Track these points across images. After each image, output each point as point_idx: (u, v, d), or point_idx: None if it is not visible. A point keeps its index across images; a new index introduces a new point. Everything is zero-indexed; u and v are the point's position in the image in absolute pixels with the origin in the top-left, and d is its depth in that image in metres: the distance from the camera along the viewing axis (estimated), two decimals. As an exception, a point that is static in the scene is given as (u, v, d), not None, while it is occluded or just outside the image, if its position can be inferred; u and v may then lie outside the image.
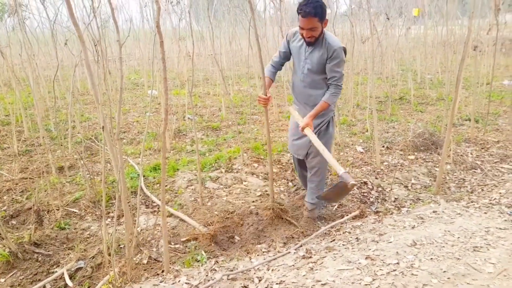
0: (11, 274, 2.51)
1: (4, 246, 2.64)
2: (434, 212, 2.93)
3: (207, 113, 6.61)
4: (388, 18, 6.55)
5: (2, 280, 2.46)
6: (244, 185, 3.88)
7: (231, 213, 3.27)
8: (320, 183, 3.14)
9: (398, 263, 2.21)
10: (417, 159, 4.40)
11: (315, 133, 2.88)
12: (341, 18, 8.30)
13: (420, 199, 3.50)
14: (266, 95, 2.84)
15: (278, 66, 3.08)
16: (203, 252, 2.70)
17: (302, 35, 2.76)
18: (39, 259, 2.66)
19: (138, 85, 9.47)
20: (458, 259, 2.22)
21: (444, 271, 2.10)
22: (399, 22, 9.19)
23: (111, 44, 9.18)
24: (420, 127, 5.03)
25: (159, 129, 5.56)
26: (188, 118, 6.24)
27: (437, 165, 4.16)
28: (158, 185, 3.81)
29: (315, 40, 2.75)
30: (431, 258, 2.23)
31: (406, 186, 3.79)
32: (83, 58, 2.11)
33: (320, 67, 2.82)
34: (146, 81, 8.99)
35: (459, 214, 2.86)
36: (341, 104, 6.83)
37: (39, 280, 2.47)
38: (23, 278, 2.49)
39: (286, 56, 3.04)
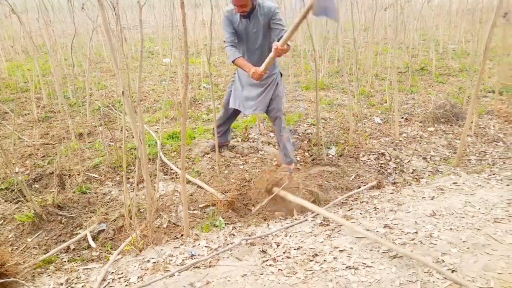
0: (37, 234, 2.61)
1: (29, 208, 2.72)
2: (454, 183, 2.89)
3: (222, 82, 6.55)
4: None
5: (29, 239, 2.56)
6: (261, 154, 3.88)
7: (248, 181, 3.29)
8: (284, 131, 3.34)
9: (416, 232, 2.21)
10: (437, 131, 4.31)
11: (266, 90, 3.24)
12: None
13: (439, 171, 3.46)
14: (260, 70, 2.95)
15: (235, 43, 3.18)
16: (221, 218, 2.74)
17: (236, 11, 2.99)
18: (63, 221, 2.75)
19: (153, 54, 9.40)
20: (478, 229, 2.20)
21: (464, 241, 2.09)
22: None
23: (125, 10, 9.07)
24: (441, 99, 4.90)
25: (175, 97, 5.55)
26: (204, 87, 6.20)
27: (458, 137, 4.07)
28: (175, 152, 3.84)
29: (249, 13, 2.99)
30: (451, 228, 2.22)
31: (425, 158, 3.73)
32: (100, 24, 2.08)
33: (267, 32, 3.08)
34: (161, 49, 8.91)
35: (480, 186, 2.82)
36: (360, 75, 6.68)
37: (63, 241, 2.56)
38: (48, 239, 2.58)
39: (236, 33, 3.17)
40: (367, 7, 8.23)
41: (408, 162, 3.64)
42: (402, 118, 4.69)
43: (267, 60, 2.91)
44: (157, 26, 10.08)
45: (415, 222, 2.31)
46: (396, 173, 3.47)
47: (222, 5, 9.58)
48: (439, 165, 3.58)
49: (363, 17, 8.58)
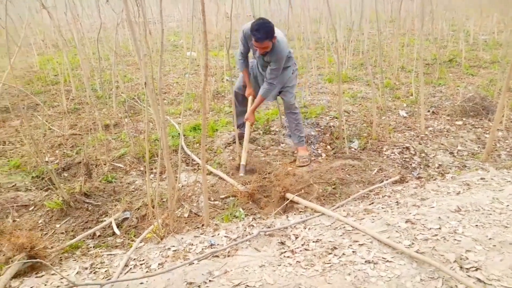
0: (65, 221, 2.72)
1: (58, 195, 2.84)
2: (482, 179, 2.79)
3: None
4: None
5: (57, 225, 2.67)
6: (282, 147, 3.88)
7: (269, 173, 3.30)
8: (296, 116, 3.58)
9: (440, 228, 2.15)
10: (465, 124, 4.16)
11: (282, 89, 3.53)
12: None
13: (466, 166, 3.35)
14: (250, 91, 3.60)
15: (246, 55, 3.50)
16: (241, 209, 2.77)
17: (256, 49, 3.24)
18: (89, 208, 2.85)
19: (177, 47, 9.51)
20: (506, 227, 2.12)
21: (490, 238, 2.02)
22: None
23: (150, 4, 9.20)
24: (470, 91, 4.73)
25: (198, 90, 5.61)
26: (227, 79, 6.23)
27: (487, 132, 3.92)
28: (197, 144, 3.90)
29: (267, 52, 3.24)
30: (476, 225, 2.16)
31: (451, 153, 3.62)
32: (125, 18, 2.12)
33: (264, 64, 3.39)
34: (185, 42, 8.99)
35: (509, 181, 2.71)
36: (385, 67, 6.52)
37: (90, 227, 2.66)
38: (75, 225, 2.69)
39: (247, 46, 3.41)
40: (394, -3, 8.02)
41: (433, 156, 3.54)
42: (429, 111, 4.56)
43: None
44: (181, 20, 10.18)
45: (439, 217, 2.26)
46: (420, 168, 3.39)
47: (246, -3, 9.54)
48: (466, 160, 3.47)
49: (389, 7, 8.35)
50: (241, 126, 3.79)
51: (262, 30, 3.00)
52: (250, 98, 3.62)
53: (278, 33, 3.20)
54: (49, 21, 6.50)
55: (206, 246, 2.18)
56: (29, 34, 7.58)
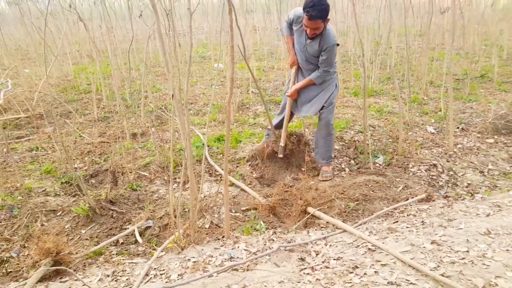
0: (90, 227, 2.79)
1: (85, 201, 2.92)
2: (513, 201, 2.67)
3: (270, 87, 6.59)
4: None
5: (83, 231, 2.75)
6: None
7: (291, 186, 3.28)
8: (332, 136, 3.49)
9: (468, 251, 2.07)
10: (496, 143, 4.01)
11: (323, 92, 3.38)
12: (419, -13, 7.65)
13: (497, 186, 3.21)
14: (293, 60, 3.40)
15: (290, 25, 3.32)
16: (261, 222, 2.76)
17: (305, 30, 3.05)
18: (114, 215, 2.92)
19: (205, 58, 9.69)
20: (539, 253, 2.02)
21: (521, 264, 1.92)
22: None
23: (181, 17, 9.46)
24: (503, 108, 4.56)
25: (224, 101, 5.68)
26: (252, 91, 6.28)
27: (521, 151, 3.76)
28: (221, 155, 3.93)
29: (318, 36, 3.09)
30: (507, 250, 2.06)
31: (481, 172, 3.49)
32: (156, 30, 2.20)
33: (315, 59, 3.22)
34: (213, 54, 9.16)
35: (544, 205, 2.58)
36: (413, 82, 6.40)
37: (113, 234, 2.72)
38: (99, 232, 2.76)
39: (291, 29, 3.31)
40: (424, 11, 7.88)
41: (462, 175, 3.42)
42: (458, 127, 4.42)
43: (293, 77, 3.43)
44: (210, 32, 10.40)
45: (467, 240, 2.17)
46: (448, 186, 3.28)
47: (273, 10, 9.66)
48: (497, 180, 3.33)
49: (419, 21, 8.22)
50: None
51: (318, 7, 2.81)
52: (294, 68, 3.45)
53: (331, 29, 3.15)
54: (85, 33, 6.80)
55: (225, 259, 2.18)
56: (66, 45, 7.95)
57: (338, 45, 3.17)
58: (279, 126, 3.64)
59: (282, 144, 3.36)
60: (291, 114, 3.63)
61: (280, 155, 3.29)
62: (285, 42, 3.49)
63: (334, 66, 3.28)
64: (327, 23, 3.00)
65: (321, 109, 3.39)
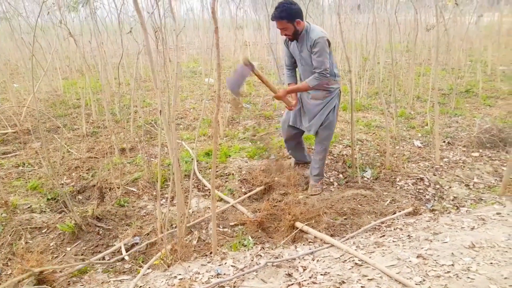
0: (76, 244, 2.76)
1: (71, 218, 2.89)
2: (498, 214, 2.71)
3: (260, 102, 6.64)
4: (457, 4, 6.07)
5: (68, 248, 2.71)
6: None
7: (279, 201, 3.28)
8: (324, 154, 3.49)
9: (453, 264, 2.09)
10: (481, 156, 4.08)
11: (322, 124, 3.37)
12: (405, 4, 7.85)
13: (482, 199, 3.26)
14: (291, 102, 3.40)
15: (292, 66, 3.46)
16: (249, 237, 2.75)
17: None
18: (100, 232, 2.88)
19: (196, 73, 9.76)
20: (523, 266, 2.04)
21: (506, 278, 1.94)
22: (470, 9, 8.49)
23: (173, 32, 9.53)
24: (487, 122, 4.65)
25: (213, 116, 5.70)
26: (243, 106, 6.32)
27: (505, 164, 3.83)
28: (210, 169, 3.93)
29: (294, 36, 3.12)
30: (491, 263, 2.08)
31: (467, 185, 3.54)
32: (145, 45, 2.22)
33: (310, 59, 3.17)
34: (203, 69, 9.24)
35: (527, 218, 2.62)
36: (400, 96, 6.51)
37: (99, 251, 2.68)
38: (85, 249, 2.72)
39: (291, 55, 3.37)
40: (411, 27, 8.08)
41: (448, 188, 3.47)
42: (444, 141, 4.50)
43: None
44: (201, 47, 10.49)
45: (452, 253, 2.19)
46: (435, 200, 3.32)
47: (264, 26, 9.81)
48: (482, 193, 3.38)
49: (405, 38, 8.42)
50: (297, 161, 3.91)
51: (280, 9, 2.92)
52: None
53: (315, 24, 3.15)
54: (75, 48, 6.82)
55: (212, 275, 2.17)
56: (56, 59, 7.94)
57: (328, 41, 3.06)
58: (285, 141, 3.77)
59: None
60: (297, 131, 3.64)
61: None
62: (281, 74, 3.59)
63: (329, 66, 3.13)
64: (297, 24, 3.01)
65: (320, 126, 3.38)
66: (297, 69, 3.49)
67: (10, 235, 2.75)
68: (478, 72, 7.07)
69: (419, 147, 4.43)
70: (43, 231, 2.87)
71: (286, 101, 3.37)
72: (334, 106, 3.36)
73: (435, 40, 3.93)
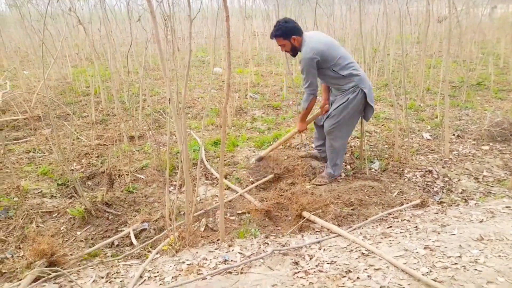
0: (86, 228, 2.80)
1: (81, 203, 2.93)
2: (507, 207, 2.69)
3: (268, 92, 6.63)
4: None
5: (78, 233, 2.75)
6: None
7: (286, 191, 3.29)
8: (333, 149, 3.45)
9: (460, 256, 2.09)
10: (492, 150, 4.04)
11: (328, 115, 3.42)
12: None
13: (491, 192, 3.23)
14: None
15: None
16: (256, 226, 2.77)
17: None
18: (109, 217, 2.92)
19: (204, 63, 9.74)
20: (531, 259, 2.03)
21: (513, 270, 1.94)
22: (483, 1, 8.32)
23: (181, 22, 9.50)
24: (498, 116, 4.59)
25: (221, 105, 5.70)
26: (250, 96, 6.31)
27: (516, 158, 3.79)
28: (218, 158, 3.95)
29: (294, 52, 3.31)
30: (499, 256, 2.07)
31: (476, 178, 3.51)
32: (154, 34, 2.22)
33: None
34: (212, 58, 9.21)
35: (536, 212, 2.60)
36: (410, 88, 6.44)
37: (109, 236, 2.72)
38: (95, 234, 2.76)
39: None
40: (422, 19, 7.95)
41: (457, 181, 3.44)
42: (454, 134, 4.46)
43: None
44: (209, 37, 10.45)
45: (460, 245, 2.19)
46: (443, 192, 3.30)
47: (273, 16, 9.73)
48: (492, 186, 3.35)
49: (416, 29, 8.29)
50: (317, 147, 3.88)
51: (276, 27, 3.17)
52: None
53: (313, 37, 3.19)
54: (85, 36, 6.84)
55: (220, 262, 2.19)
56: (65, 47, 7.97)
57: (313, 58, 3.10)
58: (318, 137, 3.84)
59: (261, 154, 3.53)
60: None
61: (252, 160, 3.44)
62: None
63: (315, 87, 3.25)
64: (294, 41, 3.18)
65: (327, 117, 3.42)
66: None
67: (21, 219, 2.80)
68: (490, 64, 6.95)
69: (428, 139, 4.40)
70: (54, 216, 2.92)
71: (312, 119, 3.61)
72: (346, 101, 3.26)
73: (447, 31, 3.86)
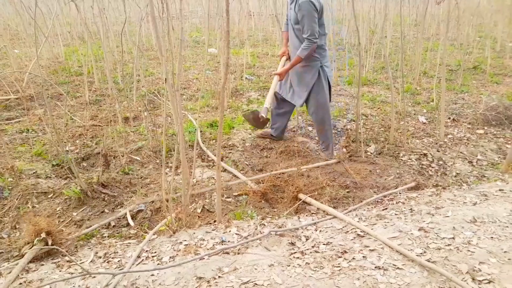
0: (82, 209, 2.79)
1: (76, 184, 2.92)
2: (500, 190, 2.73)
3: (264, 74, 6.56)
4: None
5: (74, 214, 2.75)
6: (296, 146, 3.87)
7: (282, 173, 3.30)
8: (328, 132, 3.57)
9: (453, 238, 2.12)
10: (486, 134, 4.07)
11: (309, 92, 3.40)
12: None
13: (485, 176, 3.28)
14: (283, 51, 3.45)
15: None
16: (253, 208, 2.78)
17: None
18: (106, 198, 2.92)
19: (199, 43, 9.59)
20: (523, 241, 2.07)
21: (505, 251, 1.98)
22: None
23: (175, 1, 9.29)
24: (494, 100, 4.61)
25: (217, 87, 5.65)
26: (246, 77, 6.25)
27: (509, 142, 3.83)
28: (214, 140, 3.93)
29: None
30: (492, 237, 2.11)
31: (470, 162, 3.55)
32: (149, 12, 2.16)
33: (295, 19, 3.18)
34: (207, 39, 9.06)
35: (529, 195, 2.64)
36: (406, 71, 6.42)
37: (105, 217, 2.72)
38: (91, 214, 2.76)
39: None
40: (420, 0, 7.86)
41: (452, 164, 3.48)
42: (449, 118, 4.48)
43: (281, 63, 3.44)
44: (204, 16, 10.26)
45: (453, 227, 2.22)
46: (437, 176, 3.34)
47: (269, -4, 9.54)
48: (485, 170, 3.39)
49: (414, 11, 8.21)
50: (274, 129, 3.90)
51: None
52: (283, 58, 3.49)
53: None
54: (76, 14, 6.67)
55: (217, 242, 2.21)
56: (57, 26, 7.78)
57: (312, 3, 3.03)
58: (274, 111, 3.81)
59: (266, 105, 3.31)
60: (287, 106, 3.73)
61: (263, 114, 3.28)
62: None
63: (317, 34, 3.12)
64: None
65: (306, 103, 3.48)
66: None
67: (17, 199, 2.78)
68: (487, 48, 6.94)
69: (424, 123, 4.41)
70: (49, 196, 2.91)
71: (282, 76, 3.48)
72: (320, 78, 3.35)
73: (445, 14, 3.82)
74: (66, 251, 2.12)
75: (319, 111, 3.47)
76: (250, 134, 4.08)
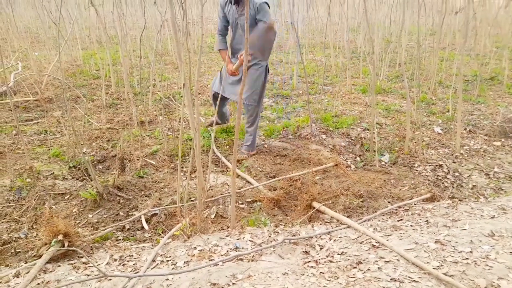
0: (97, 211, 2.83)
1: (92, 186, 2.96)
2: (519, 204, 2.68)
3: (278, 81, 6.58)
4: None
5: (90, 215, 2.78)
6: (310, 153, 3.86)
7: (296, 180, 3.29)
8: (254, 129, 3.74)
9: (471, 251, 2.09)
10: (503, 146, 4.00)
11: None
12: (432, -15, 7.56)
13: (502, 189, 3.22)
14: (232, 68, 3.50)
15: (224, 32, 3.65)
16: (266, 214, 2.78)
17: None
18: (121, 201, 2.95)
19: (214, 49, 9.66)
20: (543, 257, 2.03)
21: (524, 267, 1.94)
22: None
23: (191, 6, 9.41)
24: (511, 111, 4.54)
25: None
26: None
27: (528, 155, 3.76)
28: (227, 146, 3.95)
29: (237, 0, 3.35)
30: (511, 252, 2.07)
31: (487, 174, 3.49)
32: (167, 19, 2.20)
33: (252, 22, 3.32)
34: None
35: (549, 210, 2.58)
36: (421, 81, 6.37)
37: (120, 220, 2.75)
38: (106, 217, 2.79)
39: (226, 19, 3.54)
40: (436, 10, 7.81)
41: (468, 176, 3.43)
42: (465, 129, 4.42)
43: (236, 64, 3.47)
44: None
45: (471, 241, 2.19)
46: (453, 187, 3.29)
47: (284, 4, 9.60)
48: (503, 183, 3.33)
49: (430, 20, 8.16)
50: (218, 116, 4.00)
51: None
52: (237, 63, 3.55)
53: None
54: (96, 18, 6.81)
55: (231, 249, 2.21)
56: (76, 29, 7.95)
57: (266, 3, 3.31)
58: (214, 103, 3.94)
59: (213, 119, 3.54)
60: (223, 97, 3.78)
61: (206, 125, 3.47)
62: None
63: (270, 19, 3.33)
64: None
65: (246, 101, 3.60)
66: (227, 37, 3.68)
67: (34, 200, 2.84)
68: (505, 59, 6.84)
69: (439, 133, 4.37)
70: (66, 198, 2.95)
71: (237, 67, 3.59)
72: (257, 76, 3.55)
73: (463, 24, 3.80)
74: (86, 253, 2.15)
75: (254, 104, 3.65)
76: (264, 141, 4.09)
